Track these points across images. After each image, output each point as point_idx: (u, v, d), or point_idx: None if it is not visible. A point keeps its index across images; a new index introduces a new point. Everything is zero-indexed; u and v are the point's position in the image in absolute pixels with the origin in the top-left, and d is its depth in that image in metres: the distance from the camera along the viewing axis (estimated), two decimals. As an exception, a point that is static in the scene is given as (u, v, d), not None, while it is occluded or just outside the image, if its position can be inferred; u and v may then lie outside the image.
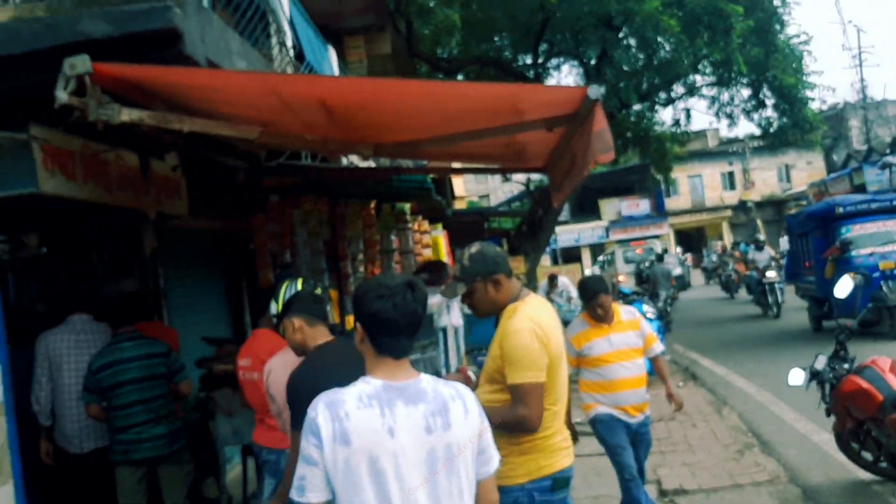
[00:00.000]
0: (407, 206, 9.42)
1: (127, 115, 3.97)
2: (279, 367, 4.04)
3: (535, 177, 24.99)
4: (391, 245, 8.98)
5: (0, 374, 4.54)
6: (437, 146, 4.74)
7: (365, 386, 2.30)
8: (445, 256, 12.09)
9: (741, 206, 47.58)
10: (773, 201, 47.06)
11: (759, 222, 45.04)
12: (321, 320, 3.75)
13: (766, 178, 47.78)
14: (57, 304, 6.24)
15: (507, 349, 3.25)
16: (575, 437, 5.02)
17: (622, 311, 5.50)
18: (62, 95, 3.74)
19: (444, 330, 8.03)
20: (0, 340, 4.60)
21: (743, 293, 23.32)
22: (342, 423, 2.20)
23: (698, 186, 48.86)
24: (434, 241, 11.53)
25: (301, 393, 3.39)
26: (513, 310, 3.37)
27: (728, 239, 43.88)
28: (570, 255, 44.52)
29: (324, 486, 2.21)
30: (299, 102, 4.33)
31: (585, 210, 47.51)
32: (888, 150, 26.27)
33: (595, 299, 5.32)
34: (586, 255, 46.09)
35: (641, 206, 47.93)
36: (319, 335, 3.72)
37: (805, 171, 45.43)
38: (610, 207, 48.07)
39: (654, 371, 5.76)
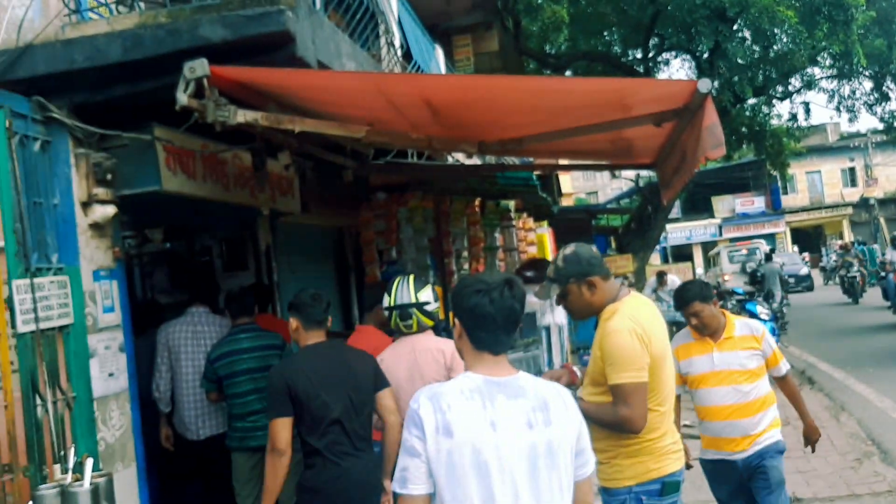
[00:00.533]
0: (511, 204, 9.40)
1: (242, 116, 4.14)
2: (390, 359, 4.17)
3: (645, 173, 24.47)
4: (495, 242, 8.97)
5: (126, 364, 4.81)
6: (542, 142, 4.73)
7: (465, 380, 2.31)
8: (550, 254, 12.01)
9: (863, 204, 45.31)
10: (898, 198, 44.64)
11: (881, 220, 42.77)
12: (315, 322, 4.14)
13: (889, 174, 45.31)
14: (177, 297, 6.55)
15: (607, 350, 3.20)
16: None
17: (738, 325, 4.54)
18: (182, 98, 3.92)
19: (548, 329, 7.99)
20: (126, 332, 4.87)
21: (869, 297, 21.71)
22: (444, 415, 2.21)
23: (817, 183, 46.84)
24: (539, 239, 11.47)
25: (272, 384, 4.04)
26: (612, 310, 3.32)
27: (848, 237, 41.88)
28: (682, 254, 43.44)
29: (426, 478, 2.22)
30: (405, 101, 4.41)
31: (698, 207, 46.28)
32: None
33: (686, 307, 4.45)
34: (698, 254, 44.87)
35: (756, 203, 46.29)
36: (312, 336, 4.13)
37: (933, 166, 42.87)
38: (723, 205, 46.62)
39: (784, 393, 4.69)
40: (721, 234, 45.60)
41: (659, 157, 5.79)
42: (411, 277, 4.21)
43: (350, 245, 9.60)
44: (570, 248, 3.46)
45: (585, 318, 3.54)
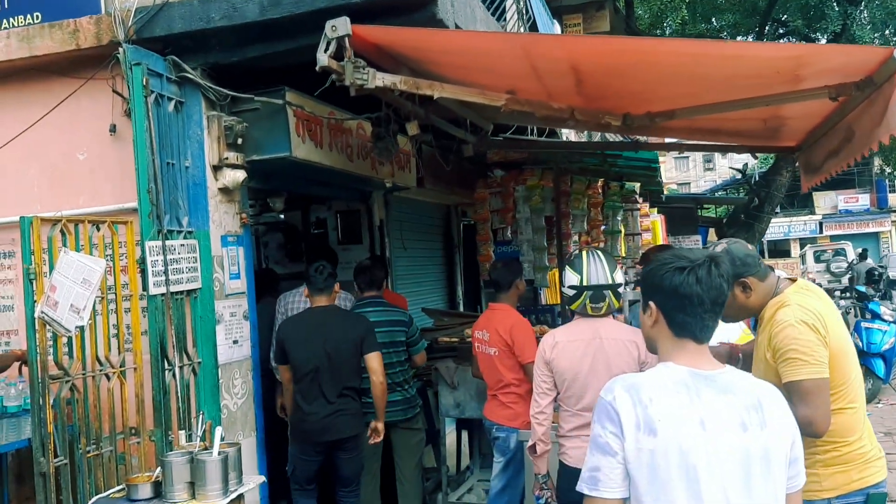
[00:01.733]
0: (637, 186, 8.96)
1: (381, 79, 3.94)
2: (568, 343, 3.81)
3: (753, 163, 23.56)
4: (616, 226, 8.55)
5: (250, 331, 4.73)
6: (693, 116, 4.40)
7: (667, 370, 2.02)
8: (662, 242, 11.56)
9: (978, 205, 42.76)
10: None
11: None
12: (317, 289, 4.83)
13: None
14: (290, 268, 6.46)
15: (780, 346, 2.87)
16: None
17: None
18: (322, 58, 3.74)
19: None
20: (250, 299, 4.78)
21: None
22: (646, 410, 1.93)
23: (928, 182, 44.39)
24: (653, 226, 10.99)
25: (275, 337, 4.96)
26: (777, 304, 2.98)
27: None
28: (778, 250, 41.88)
29: (621, 480, 1.94)
30: (549, 67, 4.14)
31: (797, 203, 44.45)
32: None
33: None
34: (796, 250, 43.11)
35: (860, 200, 44.13)
36: (317, 301, 4.85)
37: None
38: (825, 201, 44.54)
39: None
40: (821, 231, 43.67)
41: (807, 139, 5.37)
42: (602, 255, 3.86)
43: (457, 224, 9.44)
44: (720, 246, 3.14)
45: (739, 320, 3.25)
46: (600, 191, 8.00)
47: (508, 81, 4.37)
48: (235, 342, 4.58)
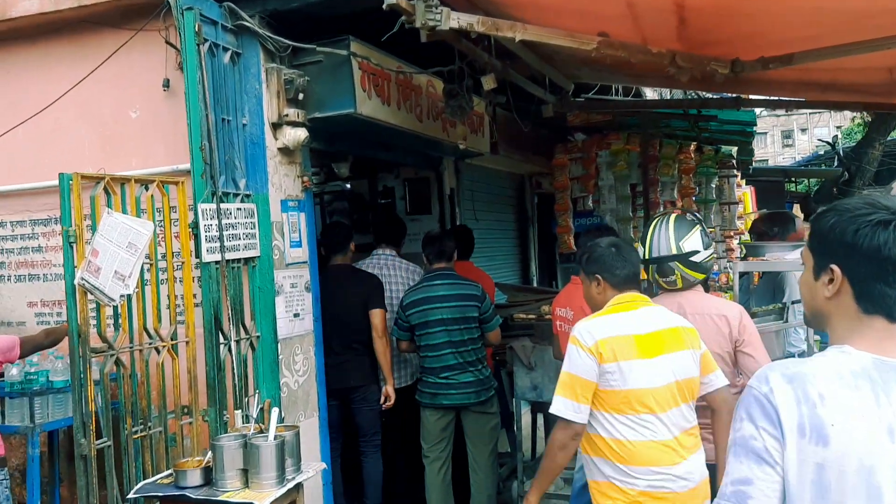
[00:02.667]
0: (734, 150, 8.19)
1: (455, 20, 3.53)
2: None
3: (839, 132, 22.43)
4: (710, 194, 7.84)
5: (312, 304, 4.36)
6: (814, 61, 3.82)
7: (843, 357, 1.51)
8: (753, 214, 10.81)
9: None
10: None
11: None
12: (334, 250, 5.08)
13: None
14: (361, 238, 6.08)
15: None
16: None
17: None
18: (391, -6, 3.35)
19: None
20: (312, 270, 4.42)
21: None
22: (815, 410, 1.44)
23: None
24: (742, 197, 10.21)
25: None
26: None
27: None
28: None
29: (778, 497, 1.48)
30: (648, 3, 3.62)
31: (881, 178, 42.45)
32: None
33: None
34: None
35: (956, 175, 41.91)
36: (336, 260, 5.08)
37: None
38: (913, 177, 42.50)
39: None
40: (914, 209, 41.63)
41: (935, 92, 4.75)
42: (672, 219, 3.36)
43: (530, 195, 8.95)
44: None
45: None
46: (692, 155, 7.34)
47: (599, 24, 3.87)
48: (296, 315, 4.22)
